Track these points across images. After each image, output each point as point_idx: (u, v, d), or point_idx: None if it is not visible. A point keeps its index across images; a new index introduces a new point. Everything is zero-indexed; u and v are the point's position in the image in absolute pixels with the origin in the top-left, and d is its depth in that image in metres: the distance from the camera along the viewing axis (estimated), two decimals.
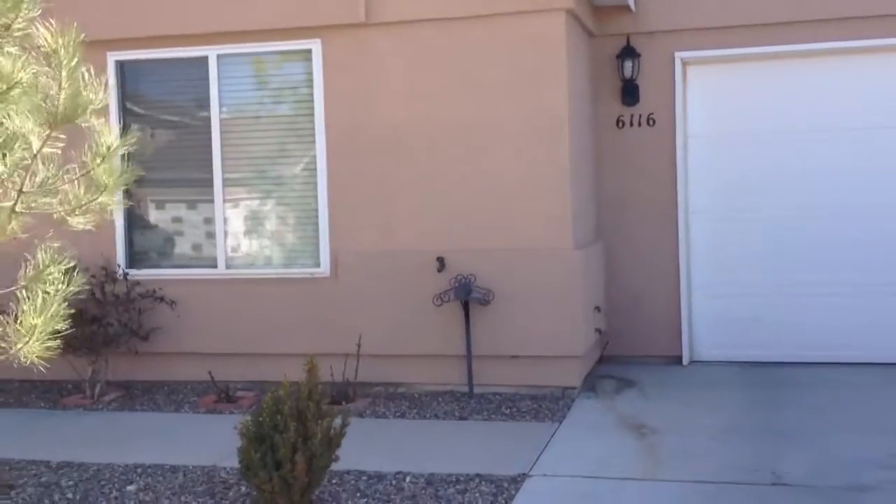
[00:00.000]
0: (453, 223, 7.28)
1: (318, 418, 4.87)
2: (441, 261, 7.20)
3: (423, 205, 7.33)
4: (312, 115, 7.52)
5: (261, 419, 4.89)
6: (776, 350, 8.21)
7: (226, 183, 7.73)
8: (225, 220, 7.74)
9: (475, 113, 7.22)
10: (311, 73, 7.51)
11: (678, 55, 8.20)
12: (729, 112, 8.27)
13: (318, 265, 7.56)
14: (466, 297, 7.07)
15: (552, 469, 5.47)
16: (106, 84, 3.60)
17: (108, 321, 7.45)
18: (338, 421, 4.99)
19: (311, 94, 7.52)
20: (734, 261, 8.31)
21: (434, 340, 7.29)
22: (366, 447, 5.92)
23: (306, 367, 5.08)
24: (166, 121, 7.96)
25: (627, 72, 8.22)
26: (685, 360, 8.32)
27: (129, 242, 7.96)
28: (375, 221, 7.42)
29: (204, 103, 7.73)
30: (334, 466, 5.15)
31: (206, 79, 7.67)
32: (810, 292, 8.14)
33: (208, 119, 7.71)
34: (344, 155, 7.45)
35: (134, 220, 8.01)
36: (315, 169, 7.54)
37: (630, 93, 8.26)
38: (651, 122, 8.31)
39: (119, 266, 7.77)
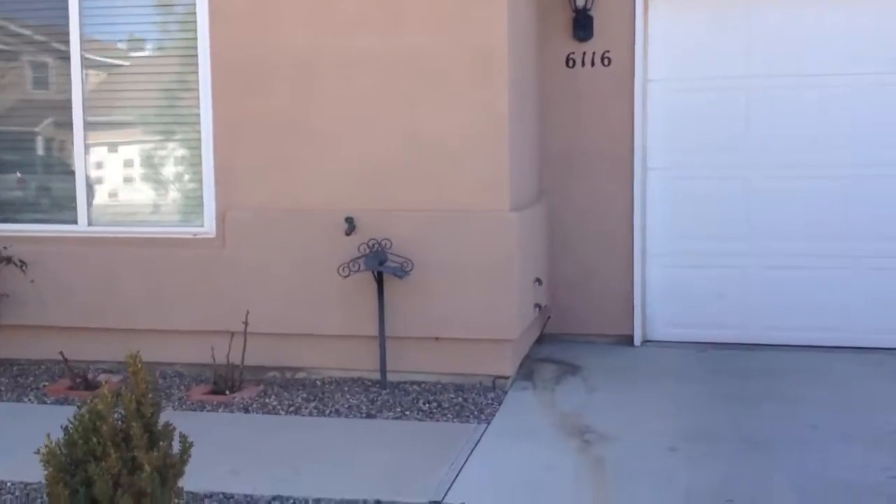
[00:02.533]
0: (366, 177, 5.99)
1: (151, 443, 3.59)
2: (350, 221, 5.92)
3: (330, 154, 6.02)
4: (195, 38, 6.13)
5: (74, 440, 3.60)
6: (743, 331, 7.11)
7: (88, 122, 6.32)
8: (86, 167, 6.34)
9: (396, 44, 5.89)
10: None
11: None
12: (697, 53, 7.05)
13: (201, 224, 6.22)
14: (379, 266, 5.81)
15: (471, 497, 4.27)
16: None
17: None
18: (177, 445, 3.71)
19: (194, 14, 6.11)
20: (696, 226, 7.15)
21: (340, 318, 6.04)
22: (242, 456, 4.70)
23: (129, 368, 3.76)
24: (14, 41, 6.48)
25: (580, 1, 6.94)
26: (637, 340, 7.20)
27: None
28: (272, 173, 6.09)
29: (61, 23, 6.27)
30: (193, 486, 3.93)
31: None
32: (784, 264, 7.03)
33: (66, 40, 6.26)
34: (235, 90, 6.08)
35: None
36: (198, 107, 6.16)
37: (583, 26, 7.00)
38: (606, 62, 7.06)
39: None
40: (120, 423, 3.63)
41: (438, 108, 5.88)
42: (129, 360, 3.79)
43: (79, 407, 3.57)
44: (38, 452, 3.61)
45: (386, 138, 5.94)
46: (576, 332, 7.27)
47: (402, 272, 5.80)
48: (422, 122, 5.91)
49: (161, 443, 3.60)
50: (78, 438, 3.55)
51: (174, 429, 3.75)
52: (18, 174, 6.39)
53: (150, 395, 3.63)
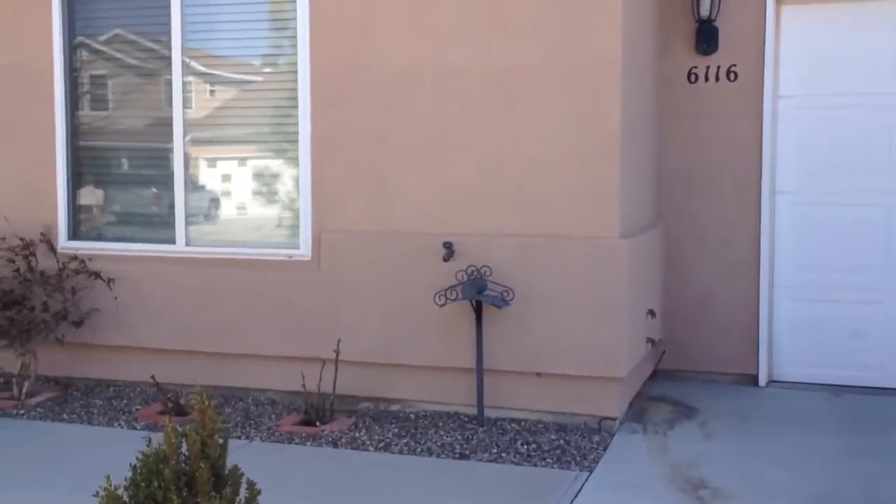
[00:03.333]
0: (465, 199, 5.63)
1: (216, 488, 3.31)
2: (448, 247, 5.57)
3: (429, 173, 5.69)
4: (295, 51, 5.92)
5: (137, 482, 3.36)
6: (882, 373, 6.41)
7: (188, 138, 6.20)
8: (186, 185, 6.21)
9: (500, 56, 5.53)
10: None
11: None
12: (833, 66, 6.41)
13: (296, 246, 5.99)
14: (478, 295, 5.44)
15: None
16: None
17: (31, 303, 6.02)
18: (244, 489, 3.42)
19: (294, 24, 5.91)
20: (830, 257, 6.50)
21: (436, 348, 5.69)
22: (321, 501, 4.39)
23: (196, 405, 3.49)
24: (118, 59, 6.43)
25: (704, 10, 6.42)
26: (762, 381, 6.58)
27: (73, 209, 6.49)
28: (369, 193, 5.81)
29: (163, 38, 6.18)
30: None
31: (168, 5, 6.11)
32: None
33: (168, 58, 6.17)
34: (333, 105, 5.84)
35: (80, 183, 6.53)
36: (297, 123, 5.95)
37: (707, 38, 6.47)
38: (732, 77, 6.50)
39: (43, 236, 6.30)
40: (184, 464, 3.39)
41: (543, 124, 5.47)
42: (196, 397, 3.55)
43: (147, 445, 3.35)
44: (96, 495, 3.40)
45: (486, 157, 5.58)
46: (694, 369, 6.71)
47: (502, 302, 5.41)
48: (525, 140, 5.52)
49: (226, 489, 3.33)
50: (140, 481, 3.31)
51: (242, 473, 3.47)
52: (154, 189, 6.29)
53: (217, 436, 3.36)
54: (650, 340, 6.13)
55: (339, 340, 5.58)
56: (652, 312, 6.18)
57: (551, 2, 5.42)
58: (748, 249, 6.56)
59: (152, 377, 5.76)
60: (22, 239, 6.20)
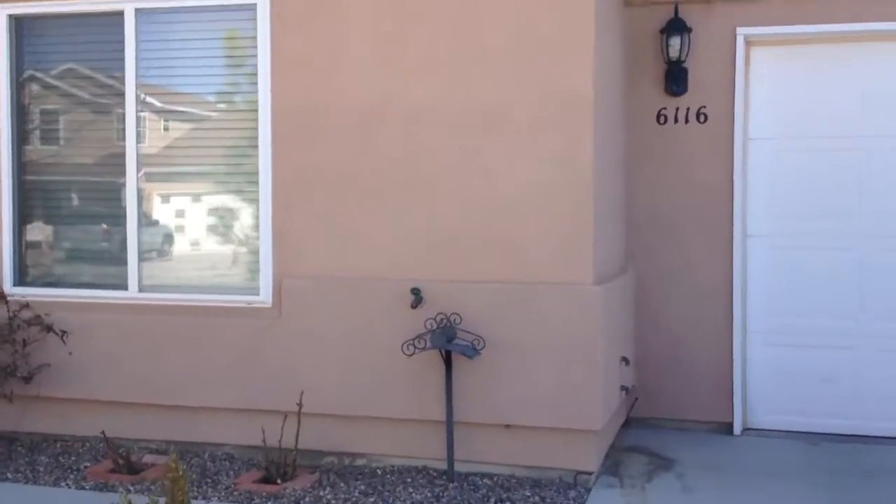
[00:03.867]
0: (435, 242, 5.42)
1: None
2: (417, 293, 5.34)
3: (396, 216, 5.47)
4: (256, 89, 5.69)
5: None
6: (860, 421, 6.29)
7: (142, 177, 5.92)
8: (139, 227, 5.92)
9: (470, 94, 5.36)
10: (255, 33, 5.68)
11: (741, 31, 6.29)
12: (804, 109, 6.35)
13: (256, 292, 5.71)
14: (447, 344, 5.20)
15: None
16: None
17: None
18: None
19: (255, 62, 5.68)
20: (803, 301, 6.39)
21: (404, 399, 5.43)
22: None
23: (169, 474, 3.23)
24: (70, 95, 6.14)
25: (674, 51, 6.33)
26: (737, 429, 6.41)
27: (19, 253, 6.15)
28: (333, 237, 5.57)
29: (117, 73, 5.92)
30: None
31: (122, 41, 5.86)
32: None
33: (122, 94, 5.90)
34: (296, 144, 5.61)
35: (27, 224, 6.20)
36: (257, 162, 5.70)
37: (676, 79, 6.37)
38: (702, 118, 6.41)
39: None
40: None
41: (515, 165, 5.30)
42: (170, 464, 3.30)
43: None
44: None
45: (456, 199, 5.38)
46: (667, 416, 6.53)
47: (472, 351, 5.19)
48: (496, 181, 5.33)
49: None
50: None
51: None
52: (104, 225, 5.95)
53: None
54: (624, 388, 5.94)
55: (301, 392, 5.30)
56: (626, 360, 6.00)
57: (526, 37, 5.27)
58: (720, 293, 6.43)
59: (102, 433, 5.41)
60: None
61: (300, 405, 5.23)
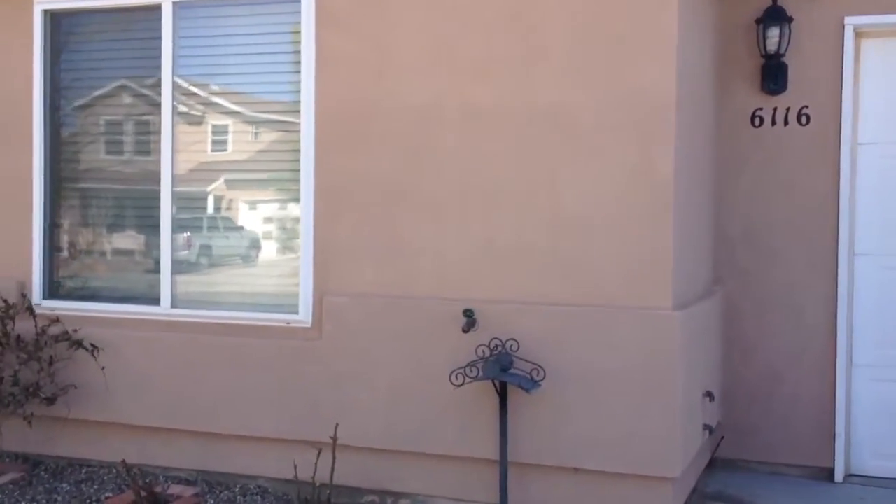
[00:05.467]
0: (491, 259, 4.80)
1: None
2: (469, 315, 4.73)
3: (449, 229, 4.88)
4: (298, 89, 5.18)
5: None
6: None
7: (177, 184, 5.47)
8: (173, 239, 5.47)
9: (531, 96, 4.73)
10: (298, 30, 5.18)
11: (850, 21, 5.51)
12: None
13: (295, 310, 5.19)
14: (502, 374, 4.57)
15: None
16: None
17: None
18: None
19: (298, 60, 5.17)
20: None
21: (454, 435, 4.82)
22: None
23: None
24: (105, 96, 5.73)
25: (772, 44, 5.57)
26: (838, 475, 5.60)
27: (49, 266, 5.77)
28: (379, 251, 5.00)
29: (153, 73, 5.49)
30: None
31: (158, 37, 5.43)
32: None
33: (158, 95, 5.47)
34: (341, 150, 5.08)
35: (56, 237, 5.81)
36: (299, 169, 5.19)
37: (774, 76, 5.61)
38: (803, 120, 5.63)
39: (24, 297, 5.60)
40: None
41: (583, 175, 4.65)
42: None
43: None
44: None
45: (516, 212, 4.76)
46: (757, 459, 5.76)
47: (530, 383, 4.54)
48: (561, 193, 4.69)
49: None
50: None
51: None
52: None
53: None
54: (707, 428, 5.21)
55: (336, 425, 4.73)
56: (710, 395, 5.26)
57: (596, 31, 4.62)
58: (822, 320, 5.63)
59: (122, 462, 4.94)
60: (4, 301, 5.50)
61: (335, 438, 4.66)
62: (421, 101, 4.93)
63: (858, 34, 5.55)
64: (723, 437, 5.76)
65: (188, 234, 5.46)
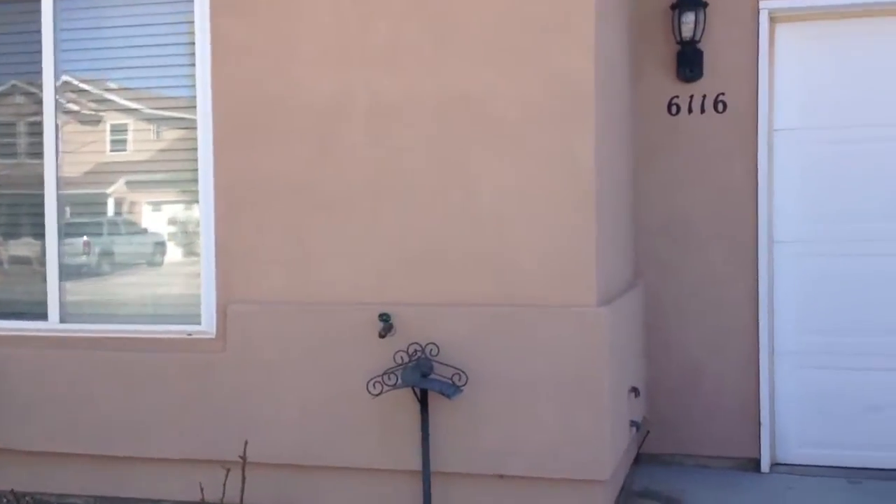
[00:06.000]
0: (408, 261, 4.54)
1: None
2: (386, 319, 4.46)
3: (362, 229, 4.60)
4: (193, 83, 4.82)
5: None
6: None
7: (64, 188, 5.05)
8: (60, 246, 5.05)
9: (445, 85, 4.48)
10: (191, 18, 4.82)
11: (764, 5, 5.43)
12: (841, 94, 5.48)
13: (197, 320, 4.84)
14: (421, 381, 4.32)
15: None
16: None
17: None
18: None
19: (192, 52, 4.82)
20: (841, 317, 5.52)
21: (374, 447, 4.55)
22: None
23: None
24: None
25: (687, 30, 5.45)
26: (764, 465, 5.54)
27: None
28: (287, 255, 4.69)
29: (33, 68, 5.05)
30: None
31: (39, 31, 5.00)
32: None
33: (39, 92, 5.03)
34: (243, 147, 4.74)
35: None
36: (196, 168, 4.84)
37: (690, 62, 5.50)
38: (720, 108, 5.54)
39: None
40: None
41: (500, 167, 4.43)
42: None
43: None
44: None
45: (432, 208, 4.51)
46: (683, 452, 5.66)
47: (452, 389, 4.30)
48: (479, 186, 4.46)
49: None
50: None
51: None
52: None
53: None
54: (634, 424, 5.06)
55: (245, 442, 4.42)
56: (635, 390, 5.12)
57: (511, 15, 4.40)
58: (744, 310, 5.55)
59: (12, 491, 4.52)
60: None
61: (244, 457, 4.34)
62: (327, 93, 4.63)
63: (773, 19, 5.48)
64: (648, 432, 5.64)
65: (86, 239, 5.04)
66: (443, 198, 4.50)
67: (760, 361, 5.52)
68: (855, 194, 5.46)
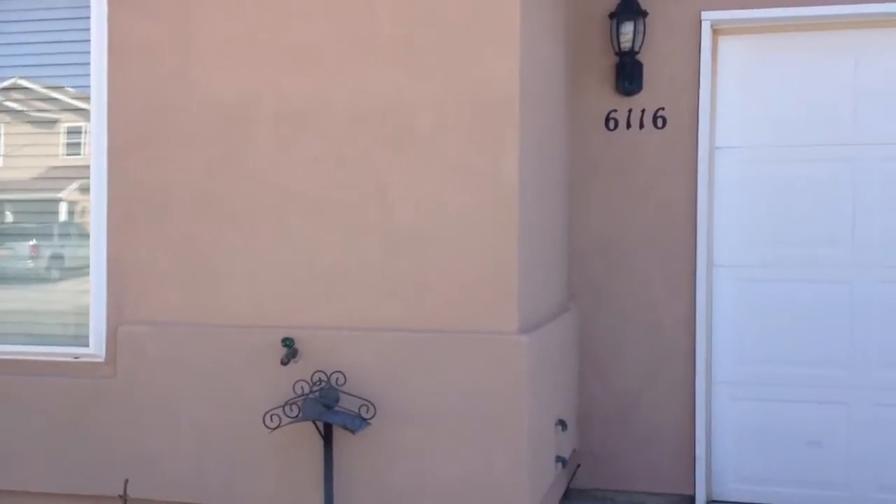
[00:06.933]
0: (315, 281, 4.17)
1: None
2: (289, 345, 4.09)
3: (266, 247, 4.22)
4: (88, 83, 4.42)
5: None
6: (848, 491, 5.18)
7: None
8: None
9: (358, 92, 4.13)
10: (86, 12, 4.42)
11: (707, 17, 5.15)
12: (785, 112, 5.21)
13: (85, 343, 4.42)
14: (325, 413, 3.95)
15: None
16: None
17: None
18: None
19: (86, 49, 4.42)
20: (781, 346, 5.25)
21: (273, 484, 4.16)
22: None
23: None
24: None
25: (626, 40, 5.15)
26: (700, 502, 5.24)
27: None
28: (186, 273, 4.29)
29: None
30: None
31: None
32: None
33: None
34: (139, 155, 4.34)
35: None
36: (87, 177, 4.43)
37: (629, 74, 5.20)
38: (660, 123, 5.25)
39: None
40: None
41: (418, 181, 4.08)
42: None
43: None
44: None
45: (343, 225, 4.15)
46: (615, 487, 5.34)
47: (358, 423, 3.93)
48: (395, 202, 4.11)
49: None
50: None
51: None
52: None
53: None
54: (560, 460, 4.73)
55: (126, 480, 4.02)
56: (563, 423, 4.79)
57: (434, 19, 4.06)
58: (681, 336, 5.26)
59: None
60: None
61: (124, 496, 3.94)
62: (231, 98, 4.25)
63: (716, 31, 5.21)
64: (579, 466, 5.32)
65: (34, 241, 4.61)
66: (355, 213, 4.14)
67: (697, 391, 5.23)
68: (797, 217, 5.19)
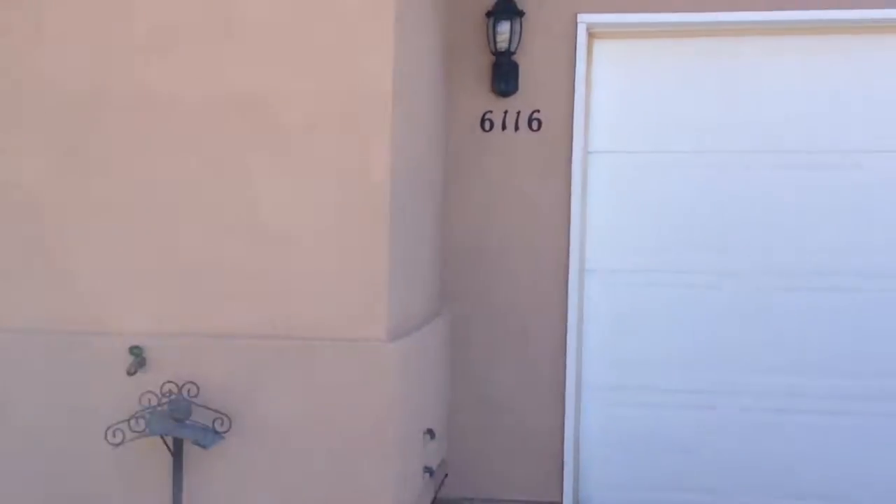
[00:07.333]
0: (168, 285, 3.87)
1: None
2: (137, 354, 3.78)
3: (114, 247, 3.89)
4: None
5: None
6: (717, 496, 5.19)
7: None
8: None
9: (220, 82, 3.86)
10: None
11: (583, 19, 5.09)
12: (658, 116, 5.20)
13: None
14: (174, 428, 3.66)
15: None
16: None
17: None
18: None
19: None
20: (651, 350, 5.25)
21: None
22: None
23: None
24: None
25: (502, 40, 5.03)
26: None
27: None
28: (20, 273, 3.92)
29: None
30: None
31: None
32: (776, 406, 5.15)
33: None
34: None
35: None
36: None
37: (505, 76, 5.08)
38: (535, 126, 5.15)
39: None
40: None
41: (284, 179, 3.84)
42: None
43: None
44: None
45: (201, 225, 3.86)
46: (484, 496, 5.23)
47: (211, 437, 3.67)
48: (259, 200, 3.85)
49: None
50: None
51: None
52: None
53: None
54: (428, 470, 4.58)
55: None
56: (431, 432, 4.63)
57: (307, 10, 3.82)
58: (553, 341, 5.19)
59: None
60: None
61: None
62: (80, 85, 3.90)
63: (592, 34, 5.15)
64: (447, 475, 5.18)
65: None
66: (215, 211, 3.87)
67: (566, 397, 5.17)
68: (668, 222, 5.19)
